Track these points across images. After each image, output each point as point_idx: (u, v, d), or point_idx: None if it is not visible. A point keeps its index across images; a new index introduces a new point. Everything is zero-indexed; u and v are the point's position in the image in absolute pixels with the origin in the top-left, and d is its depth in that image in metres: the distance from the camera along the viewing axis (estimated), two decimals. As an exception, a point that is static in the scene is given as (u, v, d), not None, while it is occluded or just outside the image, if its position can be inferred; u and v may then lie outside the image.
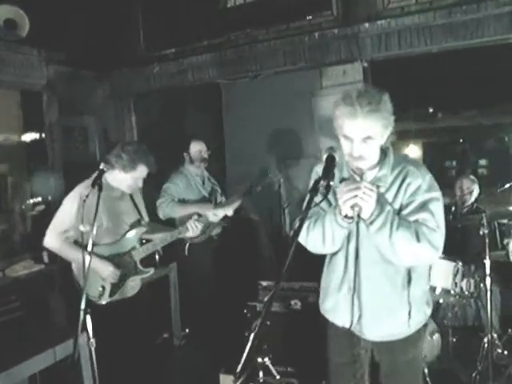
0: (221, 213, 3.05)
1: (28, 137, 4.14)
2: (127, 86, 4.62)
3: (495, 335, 3.37)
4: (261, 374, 3.10)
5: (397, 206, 1.85)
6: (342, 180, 1.85)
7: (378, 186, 1.81)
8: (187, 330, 4.30)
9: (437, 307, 3.86)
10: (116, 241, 2.85)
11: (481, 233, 3.24)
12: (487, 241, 3.25)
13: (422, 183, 1.83)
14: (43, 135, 4.11)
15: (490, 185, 4.89)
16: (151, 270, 2.97)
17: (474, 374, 3.19)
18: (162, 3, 4.54)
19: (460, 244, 3.86)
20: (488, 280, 3.22)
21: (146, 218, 3.08)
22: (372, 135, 1.76)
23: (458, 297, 3.38)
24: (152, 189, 4.26)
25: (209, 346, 3.78)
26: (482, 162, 17.56)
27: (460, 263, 3.36)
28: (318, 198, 1.62)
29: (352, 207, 1.71)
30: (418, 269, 1.94)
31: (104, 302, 2.80)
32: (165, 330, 4.23)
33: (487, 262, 3.23)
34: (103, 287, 2.78)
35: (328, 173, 1.66)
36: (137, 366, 2.90)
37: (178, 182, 3.91)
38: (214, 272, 4.11)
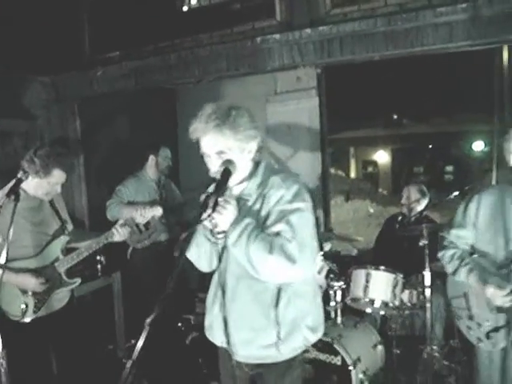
0: (148, 213, 2.90)
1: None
2: (71, 89, 4.46)
3: (435, 347, 3.31)
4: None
5: (262, 218, 1.80)
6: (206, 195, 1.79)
7: (245, 200, 1.82)
8: (132, 342, 4.14)
9: (380, 319, 3.83)
10: (37, 253, 2.69)
11: (420, 244, 3.19)
12: (427, 252, 3.22)
13: (284, 194, 1.77)
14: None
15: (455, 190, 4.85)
16: (77, 281, 2.85)
17: (414, 387, 3.14)
18: (109, 5, 4.40)
19: (407, 254, 3.80)
20: (428, 292, 3.17)
21: (70, 226, 2.93)
22: (224, 149, 1.75)
23: (397, 310, 3.30)
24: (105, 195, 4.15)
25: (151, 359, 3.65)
26: (449, 168, 17.93)
27: (400, 275, 3.29)
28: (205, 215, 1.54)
29: (210, 220, 1.69)
30: (291, 287, 1.83)
31: (28, 320, 2.65)
32: (109, 342, 4.07)
33: (427, 274, 3.19)
34: (26, 304, 2.63)
35: (219, 188, 1.60)
36: (79, 379, 2.80)
37: (129, 185, 3.92)
38: (157, 278, 4.00)
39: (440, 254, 2.48)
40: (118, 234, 2.82)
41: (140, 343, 1.36)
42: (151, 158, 3.96)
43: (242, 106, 1.80)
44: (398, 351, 3.49)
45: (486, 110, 4.96)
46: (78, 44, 4.49)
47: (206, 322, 2.01)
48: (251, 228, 1.71)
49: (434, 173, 17.03)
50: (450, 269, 2.41)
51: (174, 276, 1.41)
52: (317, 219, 4.30)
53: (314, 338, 1.93)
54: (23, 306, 2.62)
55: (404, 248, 3.88)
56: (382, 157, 21.05)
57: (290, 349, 1.86)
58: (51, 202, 2.81)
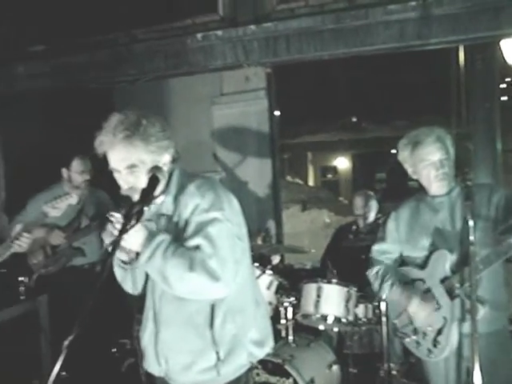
0: (61, 203, 2.68)
1: None
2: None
3: (393, 364, 3.38)
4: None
5: (181, 230, 1.78)
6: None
7: (163, 215, 1.82)
8: (64, 374, 4.01)
9: (337, 337, 3.88)
10: None
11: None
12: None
13: (200, 202, 1.75)
14: None
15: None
16: None
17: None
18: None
19: (363, 265, 3.88)
20: (383, 305, 3.23)
21: None
22: (136, 163, 1.73)
23: (352, 325, 3.36)
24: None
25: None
26: (413, 173, 18.51)
27: (354, 288, 3.34)
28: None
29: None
30: (225, 303, 1.83)
31: None
32: (35, 376, 3.92)
33: (382, 286, 3.26)
34: None
35: (146, 196, 1.58)
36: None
37: (39, 200, 3.60)
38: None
39: (367, 273, 2.62)
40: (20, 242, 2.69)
41: (56, 369, 1.32)
42: (63, 171, 3.74)
43: (152, 115, 1.78)
44: (355, 371, 3.55)
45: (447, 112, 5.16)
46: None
47: (141, 350, 1.99)
48: (166, 244, 1.68)
49: (398, 179, 17.49)
50: (375, 287, 2.53)
51: (93, 294, 1.40)
52: (267, 230, 4.38)
53: (260, 352, 1.92)
54: None
55: (359, 259, 3.96)
56: (342, 163, 21.41)
57: (232, 369, 1.85)
58: None
